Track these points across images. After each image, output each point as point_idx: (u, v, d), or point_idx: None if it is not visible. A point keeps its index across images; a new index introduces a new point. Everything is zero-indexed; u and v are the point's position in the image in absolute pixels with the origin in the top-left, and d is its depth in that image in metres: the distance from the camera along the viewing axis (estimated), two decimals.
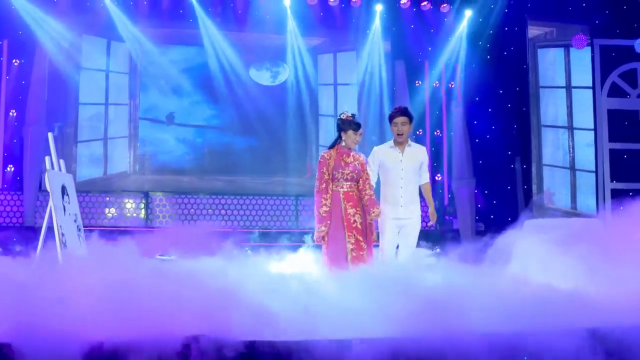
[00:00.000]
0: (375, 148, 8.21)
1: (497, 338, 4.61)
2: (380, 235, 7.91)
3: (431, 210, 8.16)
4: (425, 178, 8.19)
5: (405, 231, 7.85)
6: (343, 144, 7.72)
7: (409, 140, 8.10)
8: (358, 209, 7.61)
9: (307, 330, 4.16)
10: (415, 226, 7.92)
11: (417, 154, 8.07)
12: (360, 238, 7.52)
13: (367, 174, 7.79)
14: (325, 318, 4.37)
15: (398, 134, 8.00)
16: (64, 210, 7.85)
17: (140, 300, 3.57)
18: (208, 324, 3.51)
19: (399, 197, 7.86)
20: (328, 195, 7.59)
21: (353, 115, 7.80)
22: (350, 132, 7.69)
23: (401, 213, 7.83)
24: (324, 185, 7.60)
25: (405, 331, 4.35)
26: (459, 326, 4.58)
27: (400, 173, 7.93)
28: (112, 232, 12.47)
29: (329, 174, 7.60)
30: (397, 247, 7.93)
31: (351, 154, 7.74)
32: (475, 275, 6.21)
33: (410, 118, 8.04)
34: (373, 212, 7.57)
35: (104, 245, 5.99)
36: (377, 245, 7.96)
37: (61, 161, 8.35)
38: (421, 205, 8.16)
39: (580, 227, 9.05)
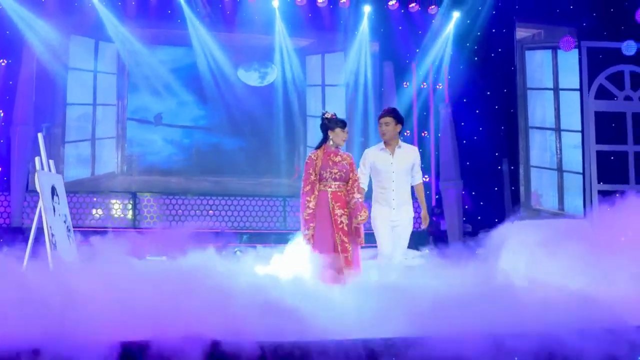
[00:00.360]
0: (366, 150, 8.18)
1: (491, 339, 4.63)
2: (375, 237, 7.87)
3: (423, 213, 8.06)
4: (418, 179, 8.12)
5: (397, 232, 7.80)
6: (331, 143, 7.69)
7: (399, 141, 8.06)
8: (346, 210, 7.55)
9: (301, 331, 4.17)
10: (407, 228, 7.85)
11: (408, 155, 8.01)
12: (346, 239, 7.44)
13: (355, 175, 7.74)
14: (320, 319, 4.39)
15: (382, 134, 8.00)
16: (54, 211, 7.81)
17: (142, 301, 3.55)
18: (210, 325, 3.50)
19: (391, 200, 7.80)
20: (312, 196, 7.52)
21: (335, 114, 7.82)
22: (337, 129, 7.68)
23: (393, 215, 7.77)
24: (308, 187, 7.55)
25: (401, 332, 4.37)
26: (453, 327, 4.59)
27: (392, 175, 7.87)
28: (100, 233, 12.41)
29: (315, 174, 7.55)
30: None
31: (339, 153, 7.70)
32: (464, 276, 6.22)
33: (396, 118, 7.97)
34: (360, 217, 7.50)
35: (95, 246, 5.98)
36: (366, 247, 7.93)
37: (51, 161, 8.31)
38: (413, 207, 8.10)
39: (568, 228, 9.08)
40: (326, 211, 7.49)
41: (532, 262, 6.58)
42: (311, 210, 7.47)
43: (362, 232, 7.66)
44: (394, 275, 7.04)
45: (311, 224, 7.46)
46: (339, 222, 7.47)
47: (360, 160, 8.06)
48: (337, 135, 7.67)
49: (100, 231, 13.05)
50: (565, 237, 6.98)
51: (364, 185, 7.93)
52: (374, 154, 8.01)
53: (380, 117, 8.02)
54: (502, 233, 7.29)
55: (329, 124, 7.69)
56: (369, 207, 7.78)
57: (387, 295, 5.06)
